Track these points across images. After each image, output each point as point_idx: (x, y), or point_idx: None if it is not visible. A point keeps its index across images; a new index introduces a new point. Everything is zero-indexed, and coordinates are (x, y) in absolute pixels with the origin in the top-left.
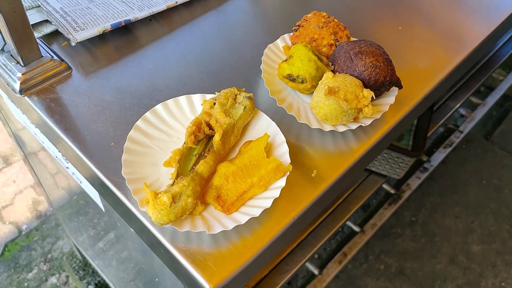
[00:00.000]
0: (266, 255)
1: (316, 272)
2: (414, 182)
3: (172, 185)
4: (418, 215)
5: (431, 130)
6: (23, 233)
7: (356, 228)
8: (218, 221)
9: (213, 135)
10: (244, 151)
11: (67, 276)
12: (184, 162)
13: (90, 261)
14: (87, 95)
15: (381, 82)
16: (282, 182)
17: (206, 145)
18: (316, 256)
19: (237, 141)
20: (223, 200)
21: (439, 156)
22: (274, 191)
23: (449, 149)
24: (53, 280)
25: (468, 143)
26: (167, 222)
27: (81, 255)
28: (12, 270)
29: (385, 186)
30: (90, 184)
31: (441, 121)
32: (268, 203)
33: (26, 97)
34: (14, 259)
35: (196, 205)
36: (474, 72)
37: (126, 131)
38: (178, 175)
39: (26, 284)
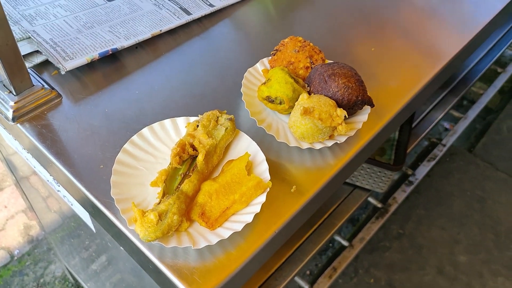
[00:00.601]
0: (250, 268)
1: (306, 287)
2: (400, 196)
3: (158, 203)
4: (405, 227)
5: (414, 143)
6: (15, 258)
7: (345, 243)
8: (203, 236)
9: (197, 156)
10: (226, 169)
11: None
12: (169, 181)
13: (83, 284)
14: (77, 120)
15: (353, 102)
16: (262, 198)
17: (191, 165)
18: (307, 272)
19: (220, 160)
20: (207, 217)
21: (423, 169)
22: (255, 207)
23: (433, 162)
24: None
25: (452, 156)
26: (154, 239)
27: (73, 278)
28: None
29: (372, 200)
30: (81, 205)
31: (422, 135)
32: (249, 218)
33: (18, 124)
34: (6, 284)
35: (182, 222)
36: (453, 86)
37: (114, 154)
38: (164, 194)
39: None
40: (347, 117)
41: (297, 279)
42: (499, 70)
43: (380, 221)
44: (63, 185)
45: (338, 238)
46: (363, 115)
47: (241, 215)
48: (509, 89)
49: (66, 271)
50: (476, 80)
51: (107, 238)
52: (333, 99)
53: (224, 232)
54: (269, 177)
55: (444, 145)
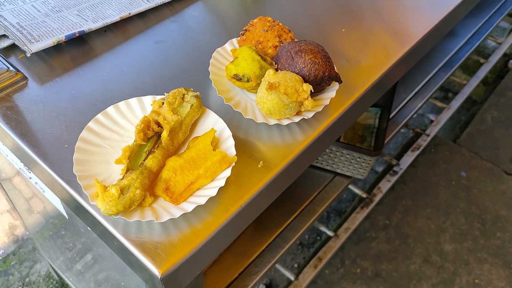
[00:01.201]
0: (217, 242)
1: (292, 278)
2: (385, 185)
3: (121, 179)
4: (391, 218)
5: (394, 131)
6: (0, 258)
7: (330, 233)
8: (167, 211)
9: (162, 132)
10: (192, 145)
11: None
12: (134, 158)
13: (67, 280)
14: (42, 102)
15: (320, 77)
16: (227, 173)
17: (156, 142)
18: (295, 265)
19: (186, 137)
20: (171, 192)
21: (407, 159)
22: (220, 181)
23: (417, 152)
24: None
25: (437, 147)
26: (115, 213)
27: (58, 276)
28: None
29: (357, 191)
30: (48, 188)
31: (403, 122)
32: (213, 192)
33: None
34: None
35: (145, 197)
36: (433, 75)
37: (80, 134)
38: (128, 170)
39: None
40: (313, 91)
41: (283, 270)
42: (482, 60)
43: (365, 211)
44: (29, 167)
45: (323, 228)
46: (331, 92)
47: (206, 190)
48: (493, 80)
49: (51, 268)
50: (460, 71)
51: (82, 226)
52: (300, 75)
53: (188, 206)
54: (234, 152)
55: (428, 135)
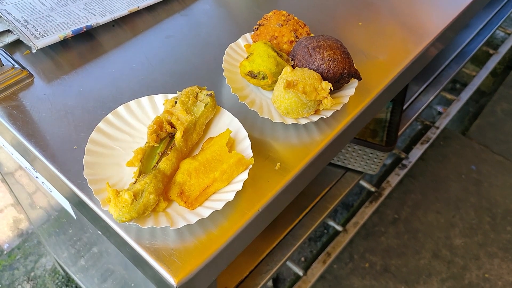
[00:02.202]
0: (233, 248)
1: (300, 273)
2: (394, 179)
3: (134, 183)
4: (400, 212)
5: (405, 125)
6: (5, 252)
7: (338, 228)
8: (182, 216)
9: (175, 133)
10: (207, 147)
11: None
12: (146, 160)
13: (73, 276)
14: (50, 101)
15: (339, 75)
16: (244, 176)
17: (169, 144)
18: (302, 259)
19: (200, 138)
20: (186, 196)
21: (417, 152)
22: (237, 185)
23: (426, 145)
24: None
25: (446, 140)
26: (129, 219)
27: (64, 270)
28: None
29: (366, 184)
30: (56, 190)
31: (414, 116)
32: (230, 196)
33: None
34: None
35: (159, 201)
36: (444, 67)
37: (89, 134)
38: (141, 173)
39: None
40: (332, 89)
41: (291, 265)
42: (491, 51)
43: (374, 205)
44: (37, 168)
45: (331, 223)
46: (350, 89)
47: (222, 194)
48: (502, 71)
49: (56, 263)
50: (468, 62)
51: (89, 226)
52: (318, 72)
53: (204, 211)
54: (251, 154)
55: (437, 128)
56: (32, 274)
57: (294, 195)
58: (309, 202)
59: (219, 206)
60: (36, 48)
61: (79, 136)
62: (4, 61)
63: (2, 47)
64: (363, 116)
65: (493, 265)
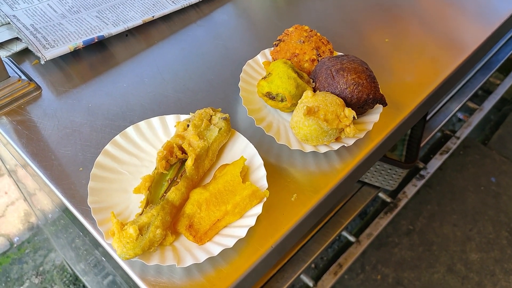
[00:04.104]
0: (244, 285)
1: (311, 284)
2: (411, 190)
3: (140, 214)
4: (415, 223)
5: (426, 138)
6: (15, 245)
7: (351, 238)
8: (190, 252)
9: (186, 160)
10: (219, 176)
11: None
12: (155, 188)
13: (80, 276)
14: (57, 116)
15: (364, 100)
16: (258, 209)
17: (179, 170)
18: (312, 265)
19: (213, 164)
20: (195, 230)
21: (435, 163)
22: (250, 219)
23: (446, 156)
24: None
25: (466, 149)
26: (133, 256)
27: (71, 269)
28: (3, 284)
29: (381, 194)
30: (61, 211)
31: (437, 129)
32: (243, 233)
33: None
34: (5, 272)
35: (166, 235)
36: (470, 78)
37: (96, 155)
38: (148, 203)
39: None
40: (356, 118)
41: (302, 276)
42: None
43: (389, 216)
44: (41, 186)
45: (344, 233)
46: (374, 115)
47: (234, 228)
48: None
49: (64, 261)
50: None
51: None
52: (341, 97)
53: (214, 248)
54: (266, 185)
55: (458, 138)
56: (41, 269)
57: (310, 226)
58: (324, 217)
59: (230, 243)
60: (45, 60)
61: (85, 157)
62: (11, 72)
63: (10, 56)
64: (387, 142)
65: (509, 282)
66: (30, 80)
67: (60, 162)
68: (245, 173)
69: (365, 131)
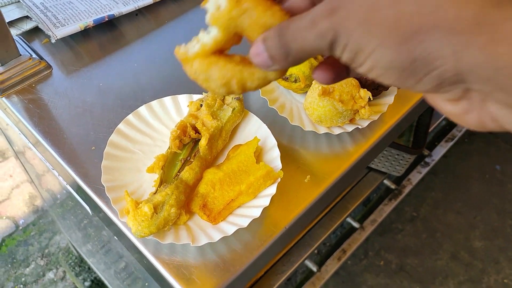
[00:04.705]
0: (257, 266)
1: (314, 269)
2: (415, 177)
3: (154, 193)
4: (419, 210)
5: (434, 124)
6: (20, 228)
7: (355, 224)
8: (204, 231)
9: (199, 139)
10: (233, 156)
11: (64, 272)
12: (168, 168)
13: (86, 258)
14: (68, 96)
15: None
16: (272, 190)
17: (192, 150)
18: (315, 251)
19: (226, 144)
20: (209, 209)
21: (440, 150)
22: (264, 199)
23: (451, 143)
24: (50, 275)
25: (471, 137)
26: (148, 234)
27: (77, 251)
28: (9, 266)
29: (385, 181)
30: (73, 190)
31: (443, 116)
32: (257, 213)
33: (4, 98)
34: (11, 254)
35: (180, 214)
36: None
37: (108, 134)
38: (162, 182)
39: (23, 279)
40: (371, 99)
41: (306, 261)
42: None
43: (393, 203)
44: (52, 165)
45: (348, 219)
46: (389, 97)
47: (248, 208)
48: None
49: (70, 243)
50: None
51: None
52: (355, 78)
53: (228, 227)
54: (280, 166)
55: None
56: (46, 251)
57: (322, 208)
58: (330, 202)
59: (245, 223)
60: (56, 38)
61: (97, 136)
62: (21, 50)
63: (20, 34)
64: (400, 125)
65: None
66: (41, 59)
67: (72, 141)
68: (258, 154)
69: (380, 113)
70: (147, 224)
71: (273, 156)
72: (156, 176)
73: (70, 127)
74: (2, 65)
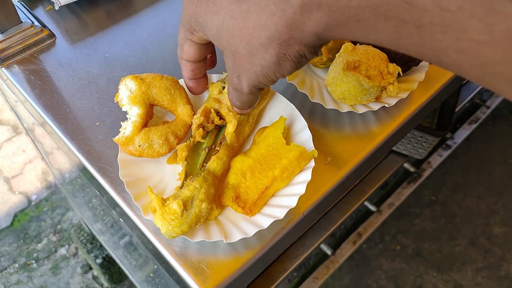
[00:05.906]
0: (270, 255)
1: (329, 252)
2: (436, 160)
3: (181, 187)
4: (438, 194)
5: (459, 106)
6: (33, 203)
7: (372, 208)
8: (236, 226)
9: (224, 125)
10: (259, 140)
11: (76, 248)
12: (192, 158)
13: (97, 236)
14: (72, 67)
15: (409, 55)
16: (307, 176)
17: (216, 137)
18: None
19: (251, 130)
20: (243, 201)
21: (463, 132)
22: (299, 186)
23: (474, 126)
24: (62, 251)
25: (495, 119)
26: (179, 234)
27: (88, 228)
28: (22, 241)
29: (405, 164)
30: (76, 168)
31: (469, 97)
32: (293, 202)
33: (3, 68)
34: (24, 229)
35: (211, 209)
36: None
37: (113, 109)
38: (187, 175)
39: (35, 255)
40: (401, 75)
41: (321, 244)
42: None
43: (412, 187)
44: (55, 142)
45: (365, 202)
46: (420, 73)
47: (282, 197)
48: None
49: (82, 220)
50: None
51: None
52: (383, 51)
53: (263, 220)
54: (313, 147)
55: (488, 107)
56: (59, 227)
57: (342, 192)
58: (349, 186)
59: (281, 214)
60: (60, 5)
61: (102, 111)
62: (23, 17)
63: (21, 0)
64: (430, 105)
65: None
66: (44, 27)
67: (75, 115)
68: (286, 135)
69: (409, 91)
70: (178, 223)
71: (304, 139)
72: (177, 168)
73: (73, 100)
74: (1, 33)
